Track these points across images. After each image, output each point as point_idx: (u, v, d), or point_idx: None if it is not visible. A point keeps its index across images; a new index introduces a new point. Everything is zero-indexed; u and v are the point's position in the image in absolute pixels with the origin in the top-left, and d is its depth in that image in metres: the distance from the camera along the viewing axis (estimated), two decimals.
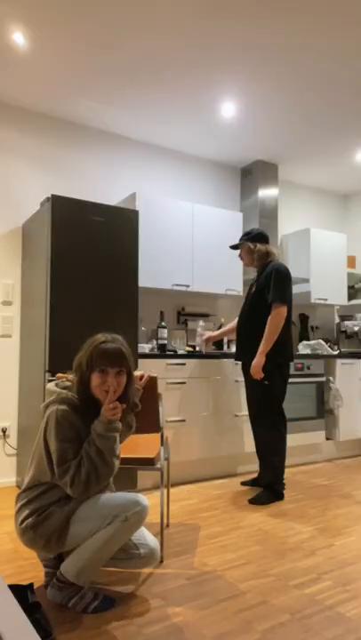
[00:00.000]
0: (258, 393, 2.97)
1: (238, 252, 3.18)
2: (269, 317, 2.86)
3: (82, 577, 1.65)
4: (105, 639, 1.52)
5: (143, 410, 2.02)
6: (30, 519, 1.62)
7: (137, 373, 1.94)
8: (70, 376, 1.76)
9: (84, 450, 1.62)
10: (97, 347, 1.66)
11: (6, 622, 0.63)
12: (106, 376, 1.65)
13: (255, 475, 3.31)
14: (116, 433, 1.65)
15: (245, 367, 3.02)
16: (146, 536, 1.82)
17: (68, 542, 1.64)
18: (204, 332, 3.56)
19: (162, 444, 2.10)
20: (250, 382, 3.00)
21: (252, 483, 3.19)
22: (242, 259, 3.15)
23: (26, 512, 1.64)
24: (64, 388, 1.73)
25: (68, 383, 1.75)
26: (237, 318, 3.17)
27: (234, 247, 3.15)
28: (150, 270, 3.53)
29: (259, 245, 3.03)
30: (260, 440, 3.01)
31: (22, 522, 1.64)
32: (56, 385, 1.75)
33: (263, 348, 2.86)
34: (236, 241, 3.97)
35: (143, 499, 1.69)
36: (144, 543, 1.78)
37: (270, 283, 2.90)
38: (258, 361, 2.87)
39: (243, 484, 3.23)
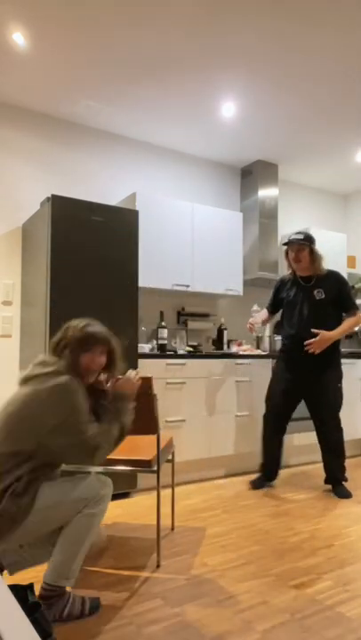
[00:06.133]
0: (335, 394, 3.14)
1: (284, 250, 3.12)
2: (352, 319, 3.08)
3: (73, 576, 1.59)
4: (105, 639, 1.52)
5: (139, 411, 2.01)
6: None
7: (131, 373, 1.93)
8: (49, 358, 1.74)
9: (102, 424, 1.66)
10: (81, 329, 1.75)
11: (6, 622, 0.63)
12: (94, 355, 1.74)
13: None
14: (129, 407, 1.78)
15: (318, 374, 3.09)
16: (94, 484, 1.73)
17: (22, 533, 1.53)
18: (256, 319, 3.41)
19: (158, 446, 2.09)
20: (327, 386, 3.11)
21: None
22: (295, 260, 3.05)
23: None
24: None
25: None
26: (290, 323, 3.13)
27: (290, 243, 3.05)
28: (150, 270, 3.53)
29: (319, 251, 3.09)
30: (339, 440, 3.16)
31: None
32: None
33: (339, 332, 3.03)
34: (238, 241, 3.98)
35: (102, 476, 1.71)
36: (99, 493, 1.71)
37: (344, 291, 3.10)
38: (331, 335, 2.99)
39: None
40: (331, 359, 3.10)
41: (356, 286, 4.77)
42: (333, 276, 3.11)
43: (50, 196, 2.82)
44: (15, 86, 3.17)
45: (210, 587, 1.86)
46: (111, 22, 2.55)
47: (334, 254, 4.56)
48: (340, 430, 3.15)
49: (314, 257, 3.05)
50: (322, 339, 2.97)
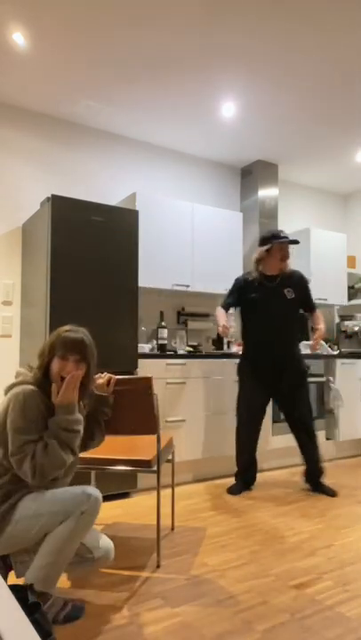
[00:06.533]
0: (307, 396, 3.11)
1: (284, 250, 3.10)
2: (320, 316, 3.18)
3: (48, 583, 1.54)
4: (105, 639, 1.52)
5: (139, 411, 2.01)
6: None
7: (100, 380, 1.91)
8: (24, 368, 1.75)
9: (45, 437, 1.58)
10: (60, 334, 1.70)
11: (6, 622, 0.63)
12: (65, 362, 1.66)
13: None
14: (78, 425, 1.62)
15: (290, 372, 3.07)
16: (97, 538, 1.73)
17: (6, 542, 1.54)
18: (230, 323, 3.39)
19: (158, 446, 2.09)
20: (300, 386, 3.08)
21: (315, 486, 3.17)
22: (286, 257, 3.07)
23: None
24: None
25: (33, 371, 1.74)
26: (263, 324, 3.08)
27: (293, 242, 3.06)
28: (150, 270, 3.53)
29: None
30: (315, 436, 3.11)
31: None
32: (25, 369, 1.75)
33: (323, 332, 3.10)
34: (238, 241, 3.98)
35: (93, 489, 1.63)
36: (97, 547, 1.69)
37: (308, 289, 3.16)
38: (322, 334, 3.09)
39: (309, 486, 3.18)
40: (297, 354, 3.13)
41: (357, 286, 4.77)
42: (297, 275, 3.14)
43: (50, 196, 2.82)
44: (15, 86, 3.17)
45: (210, 587, 1.86)
46: (111, 22, 2.55)
47: (334, 254, 4.56)
48: (313, 423, 3.14)
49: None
50: (322, 333, 3.07)
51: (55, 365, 1.66)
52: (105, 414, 1.91)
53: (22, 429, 1.56)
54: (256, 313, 3.09)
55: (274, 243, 3.02)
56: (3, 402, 1.65)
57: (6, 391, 1.68)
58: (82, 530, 1.58)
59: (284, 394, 3.10)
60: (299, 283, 3.12)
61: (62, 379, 1.65)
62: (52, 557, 1.54)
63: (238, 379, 3.19)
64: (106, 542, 1.72)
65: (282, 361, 3.07)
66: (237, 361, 3.55)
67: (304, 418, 3.09)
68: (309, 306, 3.18)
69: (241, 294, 3.14)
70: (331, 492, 3.04)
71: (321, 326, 3.13)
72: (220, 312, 3.12)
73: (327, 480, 3.39)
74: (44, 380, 1.67)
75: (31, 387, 1.63)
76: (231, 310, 3.05)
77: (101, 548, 1.69)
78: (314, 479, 3.11)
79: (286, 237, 3.04)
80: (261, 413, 3.12)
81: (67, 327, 1.75)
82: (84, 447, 1.87)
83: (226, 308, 3.16)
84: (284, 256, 3.06)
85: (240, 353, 3.38)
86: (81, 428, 1.65)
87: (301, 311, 3.18)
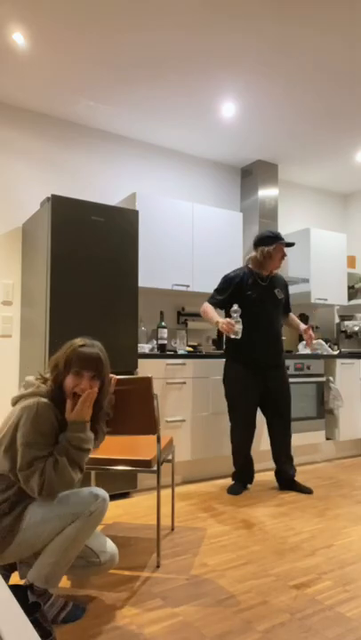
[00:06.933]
0: (289, 395, 3.18)
1: (278, 252, 3.11)
2: (294, 317, 3.37)
3: (52, 582, 1.55)
4: (105, 639, 1.52)
5: (139, 411, 2.01)
6: None
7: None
8: (47, 375, 1.72)
9: (56, 454, 1.56)
10: (75, 349, 1.66)
11: (6, 622, 0.63)
12: (80, 379, 1.64)
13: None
14: (89, 444, 1.61)
15: (278, 371, 3.14)
16: (104, 542, 1.73)
17: (17, 550, 1.54)
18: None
19: (158, 446, 2.09)
20: (285, 386, 3.15)
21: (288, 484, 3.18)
22: (282, 259, 3.12)
23: None
24: (43, 383, 1.70)
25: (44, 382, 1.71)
26: (258, 323, 3.07)
27: (290, 245, 3.09)
28: (150, 270, 3.53)
29: None
30: (290, 440, 3.18)
31: None
32: (36, 379, 1.72)
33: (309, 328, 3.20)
34: (238, 241, 3.98)
35: (100, 491, 1.64)
36: (103, 551, 1.69)
37: (288, 292, 3.30)
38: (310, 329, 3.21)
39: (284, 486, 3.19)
40: (283, 356, 3.20)
41: (357, 286, 4.77)
42: (280, 277, 3.26)
43: (50, 196, 2.82)
44: (15, 86, 3.17)
45: (210, 587, 1.86)
46: (111, 22, 2.55)
47: (334, 254, 4.56)
48: (290, 425, 3.20)
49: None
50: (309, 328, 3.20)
51: (70, 381, 1.63)
52: (106, 415, 1.91)
53: (33, 444, 1.53)
54: (251, 312, 3.05)
55: (278, 243, 3.05)
56: (12, 413, 1.62)
57: (15, 402, 1.66)
58: (89, 530, 1.58)
59: (268, 392, 3.12)
60: (283, 284, 3.25)
61: (75, 395, 1.63)
62: (58, 556, 1.55)
63: (227, 379, 3.14)
64: (112, 547, 1.73)
65: (272, 359, 3.12)
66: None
67: (281, 417, 3.16)
68: (289, 308, 3.34)
69: (235, 292, 3.07)
70: (306, 490, 3.11)
71: (302, 324, 3.29)
72: (208, 308, 3.07)
73: (327, 480, 3.40)
74: (58, 393, 1.65)
75: (45, 400, 1.60)
76: (235, 307, 2.97)
77: (107, 552, 1.69)
78: (287, 477, 3.16)
79: (292, 242, 3.15)
80: (255, 412, 3.12)
81: (81, 341, 1.70)
82: None
83: (215, 305, 3.10)
84: (283, 257, 3.11)
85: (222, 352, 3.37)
86: (91, 446, 1.63)
87: None
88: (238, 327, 2.85)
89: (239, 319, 2.88)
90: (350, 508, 2.82)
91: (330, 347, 4.30)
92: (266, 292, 3.11)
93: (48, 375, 1.71)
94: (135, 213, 3.09)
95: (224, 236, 3.91)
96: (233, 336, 2.85)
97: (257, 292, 3.08)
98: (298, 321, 3.35)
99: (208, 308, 3.08)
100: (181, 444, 3.24)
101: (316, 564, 2.07)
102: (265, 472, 3.60)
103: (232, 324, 2.85)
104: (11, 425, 1.59)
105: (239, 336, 2.86)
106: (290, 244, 3.08)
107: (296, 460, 3.86)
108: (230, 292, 3.08)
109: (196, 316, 4.05)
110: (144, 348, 3.39)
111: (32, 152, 3.47)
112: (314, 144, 4.02)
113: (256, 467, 3.57)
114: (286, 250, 3.17)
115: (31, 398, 1.60)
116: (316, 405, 3.88)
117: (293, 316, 3.38)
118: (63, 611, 1.61)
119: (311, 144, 4.02)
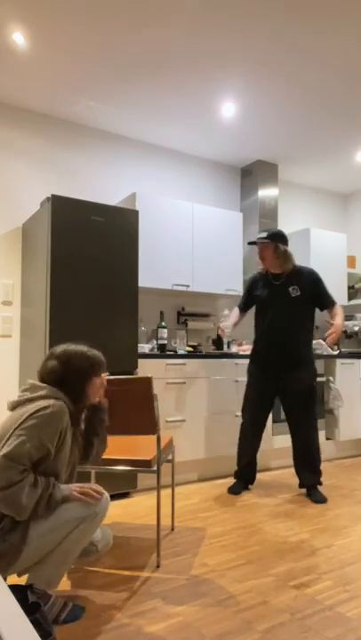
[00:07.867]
0: (310, 393, 3.00)
1: (252, 250, 3.10)
2: (340, 310, 3.05)
3: (54, 584, 1.57)
4: (105, 639, 1.52)
5: (139, 411, 2.01)
6: None
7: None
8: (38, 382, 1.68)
9: (39, 482, 1.51)
10: (87, 355, 1.73)
11: (6, 622, 0.63)
12: (102, 378, 1.79)
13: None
14: (53, 500, 1.55)
15: (296, 378, 2.98)
16: (98, 531, 1.77)
17: (26, 560, 1.52)
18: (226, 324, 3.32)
19: (158, 446, 2.09)
20: (301, 388, 2.98)
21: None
22: (260, 258, 3.04)
23: None
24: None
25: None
26: (267, 323, 3.03)
27: (253, 243, 3.06)
28: (150, 270, 3.53)
29: (285, 247, 3.01)
30: (312, 442, 3.00)
31: None
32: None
33: (342, 322, 3.01)
34: (238, 241, 3.98)
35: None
36: (99, 539, 1.76)
37: (321, 287, 3.04)
38: (341, 325, 2.98)
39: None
40: (305, 356, 3.02)
41: (357, 286, 4.78)
42: (308, 273, 3.05)
43: (50, 196, 2.82)
44: (15, 86, 3.17)
45: (210, 587, 1.86)
46: (111, 22, 2.55)
47: (334, 254, 4.56)
48: (316, 430, 3.03)
49: (278, 254, 2.98)
50: (338, 328, 2.96)
51: (95, 384, 1.74)
52: (103, 421, 1.88)
53: (34, 439, 1.49)
54: (261, 312, 3.10)
55: (252, 244, 3.09)
56: (10, 418, 1.57)
57: (14, 406, 1.62)
58: (92, 530, 1.61)
59: (284, 394, 3.04)
60: (308, 281, 3.02)
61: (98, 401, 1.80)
62: (61, 559, 1.56)
63: (247, 379, 3.17)
64: (105, 532, 1.82)
65: (285, 360, 3.00)
66: (237, 361, 3.56)
67: (298, 421, 3.00)
68: (323, 303, 3.05)
69: (249, 293, 3.20)
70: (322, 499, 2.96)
71: (335, 321, 3.00)
72: (232, 312, 3.28)
73: (327, 480, 3.40)
74: (74, 406, 1.67)
75: (61, 402, 1.59)
76: (226, 311, 3.06)
77: (103, 539, 1.78)
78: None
79: (253, 241, 3.11)
80: (263, 418, 3.09)
81: (82, 347, 1.74)
82: (87, 458, 1.85)
83: (239, 308, 3.25)
84: (259, 256, 3.10)
85: (243, 352, 3.36)
86: (52, 501, 1.55)
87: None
88: (228, 331, 3.13)
89: (228, 324, 3.14)
90: (350, 507, 2.82)
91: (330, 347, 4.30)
92: (277, 291, 3.02)
93: (46, 390, 1.64)
94: (135, 213, 3.09)
95: (224, 236, 3.91)
96: (225, 338, 3.05)
97: (266, 292, 3.07)
98: (332, 318, 3.04)
99: (233, 311, 3.28)
100: (181, 444, 3.24)
101: (316, 563, 2.07)
102: (265, 472, 3.60)
103: (222, 328, 3.12)
104: (10, 425, 1.54)
105: (230, 338, 3.04)
106: (251, 243, 3.06)
107: None
108: (246, 295, 3.22)
109: (196, 315, 4.06)
110: (144, 347, 3.39)
111: (32, 152, 3.47)
112: (314, 144, 4.02)
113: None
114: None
115: (46, 399, 1.58)
116: (316, 405, 3.87)
117: (335, 312, 3.04)
118: (63, 611, 1.61)
119: (311, 144, 4.02)
